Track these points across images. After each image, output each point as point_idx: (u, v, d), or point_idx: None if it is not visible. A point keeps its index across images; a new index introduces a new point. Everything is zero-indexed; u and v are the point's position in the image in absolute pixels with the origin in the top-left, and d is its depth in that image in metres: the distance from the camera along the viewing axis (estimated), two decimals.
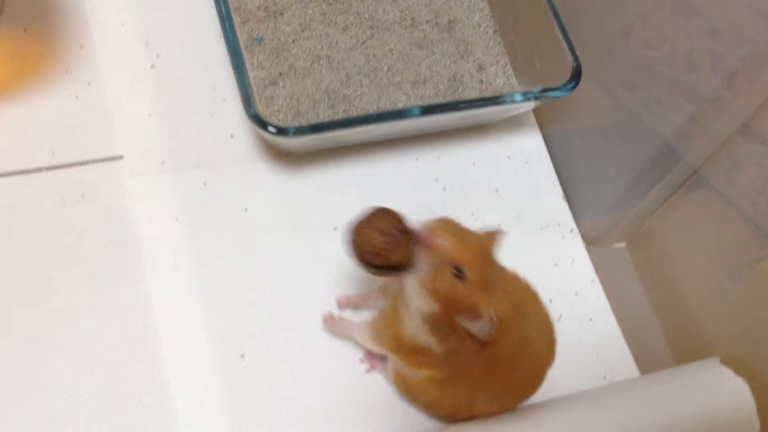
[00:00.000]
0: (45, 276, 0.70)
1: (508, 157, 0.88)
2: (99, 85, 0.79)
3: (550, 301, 0.76)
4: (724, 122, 0.71)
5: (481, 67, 0.87)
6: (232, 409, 0.68)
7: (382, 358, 0.71)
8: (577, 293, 0.82)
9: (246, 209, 0.77)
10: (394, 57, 0.85)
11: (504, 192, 0.85)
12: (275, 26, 0.83)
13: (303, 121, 0.79)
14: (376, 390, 0.72)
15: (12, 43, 0.79)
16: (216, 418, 0.67)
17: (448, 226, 0.62)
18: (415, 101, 0.83)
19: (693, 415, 0.69)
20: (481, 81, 0.86)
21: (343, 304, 0.74)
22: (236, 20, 0.81)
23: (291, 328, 0.72)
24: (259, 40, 0.82)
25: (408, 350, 0.65)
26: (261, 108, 0.77)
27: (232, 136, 0.80)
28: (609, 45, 0.80)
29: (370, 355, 0.72)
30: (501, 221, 0.83)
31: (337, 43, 0.84)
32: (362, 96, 0.81)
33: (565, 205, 0.87)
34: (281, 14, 0.84)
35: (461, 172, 0.85)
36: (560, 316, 0.79)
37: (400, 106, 0.82)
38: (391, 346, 0.67)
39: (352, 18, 0.86)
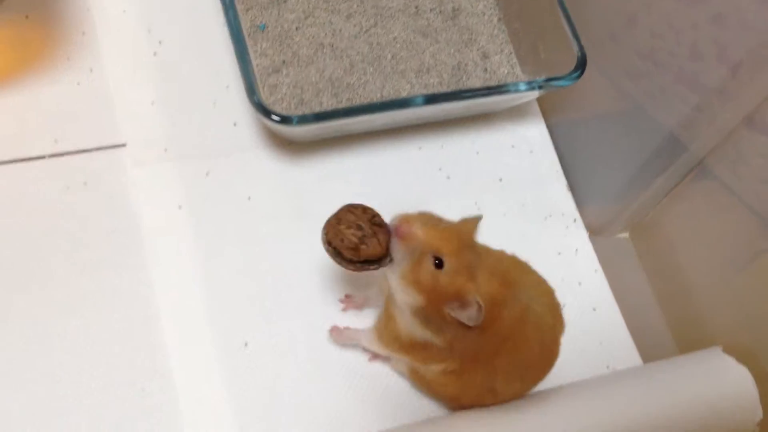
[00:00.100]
0: (47, 264, 0.70)
1: (512, 147, 0.87)
2: (101, 72, 0.79)
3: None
4: (729, 113, 0.71)
5: (485, 56, 0.87)
6: (235, 398, 0.68)
7: None
8: (580, 283, 0.82)
9: (249, 198, 0.77)
10: (398, 45, 0.84)
11: (508, 181, 0.85)
12: (278, 13, 0.83)
13: (306, 110, 0.78)
14: (380, 378, 0.72)
15: (14, 30, 0.79)
16: (219, 407, 0.67)
17: (422, 216, 0.62)
18: (419, 90, 0.82)
19: (695, 403, 0.69)
20: (486, 70, 0.86)
21: (347, 307, 0.74)
22: (239, 7, 0.81)
23: (294, 316, 0.72)
24: (263, 28, 0.82)
25: (412, 348, 0.65)
26: (264, 96, 0.77)
27: (235, 125, 0.80)
28: (613, 33, 0.80)
29: None
30: (504, 210, 0.83)
31: (340, 30, 0.84)
32: (366, 84, 0.81)
33: (568, 195, 0.87)
34: (284, 1, 0.84)
35: (465, 161, 0.85)
36: (563, 305, 0.78)
37: (403, 94, 0.82)
38: (395, 347, 0.66)
39: (355, 6, 0.85)
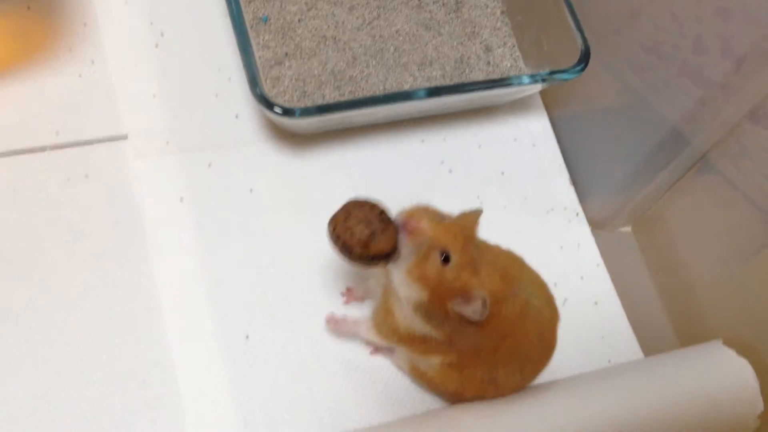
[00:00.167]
0: (48, 256, 0.69)
1: (515, 140, 0.87)
2: (103, 64, 0.79)
3: (555, 284, 0.75)
4: (732, 107, 0.71)
5: (488, 49, 0.86)
6: (236, 390, 0.68)
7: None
8: (582, 277, 0.82)
9: (251, 190, 0.77)
10: (401, 38, 0.84)
11: (510, 175, 0.85)
12: (281, 5, 0.83)
13: (309, 102, 0.78)
14: (381, 372, 0.71)
15: (15, 21, 0.79)
16: (220, 399, 0.67)
17: (426, 211, 0.62)
18: (422, 83, 0.82)
19: (696, 396, 0.69)
20: (488, 63, 0.86)
21: (349, 300, 0.74)
22: None
23: (295, 309, 0.72)
24: (265, 20, 0.81)
25: (410, 340, 0.65)
26: (267, 88, 0.77)
27: (237, 117, 0.80)
28: (617, 26, 0.80)
29: None
30: (507, 204, 0.83)
31: (343, 23, 0.83)
32: (368, 77, 0.81)
33: (571, 189, 0.87)
34: None
35: (467, 154, 0.85)
36: (565, 299, 0.78)
37: (406, 87, 0.82)
38: (393, 339, 0.66)
39: None
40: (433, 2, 0.87)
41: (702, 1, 0.69)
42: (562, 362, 0.70)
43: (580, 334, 0.78)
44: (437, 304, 0.60)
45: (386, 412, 0.70)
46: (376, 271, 0.67)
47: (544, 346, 0.66)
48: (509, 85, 0.79)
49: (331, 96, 0.79)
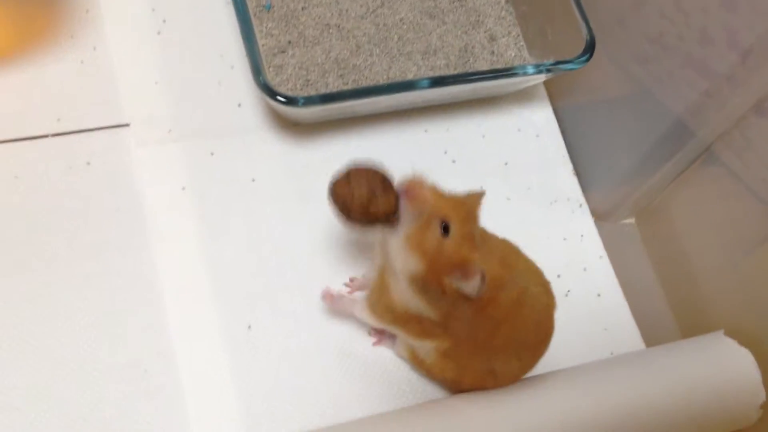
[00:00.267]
0: (50, 245, 0.69)
1: (518, 130, 0.87)
2: (105, 51, 0.79)
3: (558, 276, 0.76)
4: (738, 99, 0.71)
5: (492, 38, 0.86)
6: (238, 380, 0.68)
7: (391, 335, 0.71)
8: (585, 269, 0.81)
9: (253, 179, 0.77)
10: (405, 26, 0.84)
11: (513, 165, 0.85)
12: None
13: (312, 91, 0.78)
14: (384, 362, 0.71)
15: (17, 7, 0.78)
16: (222, 389, 0.67)
17: (429, 183, 0.61)
18: (426, 72, 0.82)
19: (698, 386, 0.69)
20: (493, 52, 0.85)
21: (353, 290, 0.73)
22: None
23: (298, 299, 0.72)
24: (268, 8, 0.81)
25: (404, 321, 0.64)
26: (270, 77, 0.76)
27: (239, 105, 0.80)
28: (621, 16, 0.79)
29: (378, 330, 0.72)
30: (510, 195, 0.83)
31: (347, 11, 0.83)
32: (372, 66, 0.80)
33: (574, 180, 0.86)
34: None
35: (471, 144, 0.84)
36: (568, 291, 0.78)
37: (410, 76, 0.81)
38: (387, 319, 0.65)
39: None
40: None
41: None
42: (564, 353, 0.70)
43: (583, 326, 0.78)
44: (433, 278, 0.59)
45: (388, 402, 0.70)
46: (374, 252, 0.66)
47: (542, 332, 0.66)
48: (513, 75, 0.79)
49: (334, 85, 0.79)
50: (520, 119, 0.88)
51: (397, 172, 0.80)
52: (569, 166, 0.87)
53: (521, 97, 0.88)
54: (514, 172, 0.84)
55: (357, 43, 0.81)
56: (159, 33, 0.81)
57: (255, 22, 0.79)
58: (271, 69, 0.78)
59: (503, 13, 0.88)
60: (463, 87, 0.79)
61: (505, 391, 0.67)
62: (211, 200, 0.75)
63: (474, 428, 0.64)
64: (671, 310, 0.84)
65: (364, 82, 0.79)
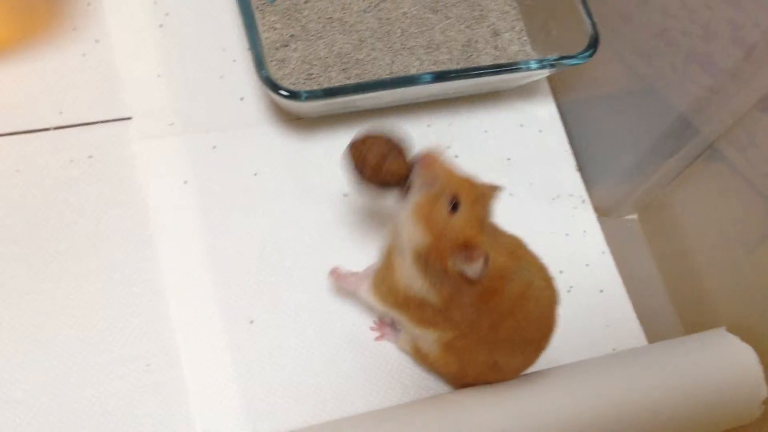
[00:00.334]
0: (51, 237, 0.69)
1: (521, 125, 0.87)
2: (107, 44, 0.78)
3: (561, 272, 0.76)
4: (741, 95, 0.70)
5: (495, 33, 0.86)
6: (240, 375, 0.68)
7: (394, 327, 0.71)
8: (587, 264, 0.81)
9: (255, 173, 0.76)
10: (408, 21, 0.83)
11: (516, 160, 0.84)
12: None
13: (315, 85, 0.78)
14: (386, 356, 0.71)
15: None
16: (224, 384, 0.67)
17: (447, 159, 0.61)
18: (429, 66, 0.82)
19: (701, 382, 0.69)
20: (496, 47, 0.85)
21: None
22: None
23: (300, 293, 0.72)
24: (272, 1, 0.81)
25: (407, 305, 0.64)
26: (272, 71, 0.76)
27: (242, 99, 0.79)
28: (625, 11, 0.79)
29: (381, 324, 0.72)
30: (512, 190, 0.82)
31: (350, 5, 0.83)
32: (375, 60, 0.80)
33: (577, 176, 0.86)
34: None
35: (473, 139, 0.84)
36: (571, 287, 0.78)
37: (413, 71, 0.81)
38: (390, 302, 0.65)
39: None
40: None
41: None
42: (566, 349, 0.70)
43: (585, 322, 0.78)
44: (437, 255, 0.59)
45: (390, 396, 0.70)
46: (384, 232, 0.66)
47: (545, 327, 0.66)
48: (517, 70, 0.79)
49: (337, 79, 0.78)
50: (523, 114, 0.87)
51: None
52: (572, 162, 0.87)
53: (524, 92, 0.88)
54: (517, 168, 0.84)
55: (360, 38, 0.81)
56: (161, 26, 0.80)
57: (258, 15, 0.79)
58: (273, 63, 0.78)
59: (507, 7, 0.88)
60: (466, 82, 0.79)
61: (508, 386, 0.67)
62: (213, 194, 0.75)
63: (477, 423, 0.64)
64: (674, 306, 0.84)
65: (367, 77, 0.79)
